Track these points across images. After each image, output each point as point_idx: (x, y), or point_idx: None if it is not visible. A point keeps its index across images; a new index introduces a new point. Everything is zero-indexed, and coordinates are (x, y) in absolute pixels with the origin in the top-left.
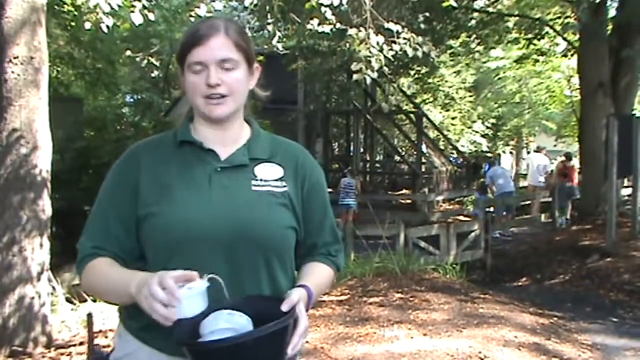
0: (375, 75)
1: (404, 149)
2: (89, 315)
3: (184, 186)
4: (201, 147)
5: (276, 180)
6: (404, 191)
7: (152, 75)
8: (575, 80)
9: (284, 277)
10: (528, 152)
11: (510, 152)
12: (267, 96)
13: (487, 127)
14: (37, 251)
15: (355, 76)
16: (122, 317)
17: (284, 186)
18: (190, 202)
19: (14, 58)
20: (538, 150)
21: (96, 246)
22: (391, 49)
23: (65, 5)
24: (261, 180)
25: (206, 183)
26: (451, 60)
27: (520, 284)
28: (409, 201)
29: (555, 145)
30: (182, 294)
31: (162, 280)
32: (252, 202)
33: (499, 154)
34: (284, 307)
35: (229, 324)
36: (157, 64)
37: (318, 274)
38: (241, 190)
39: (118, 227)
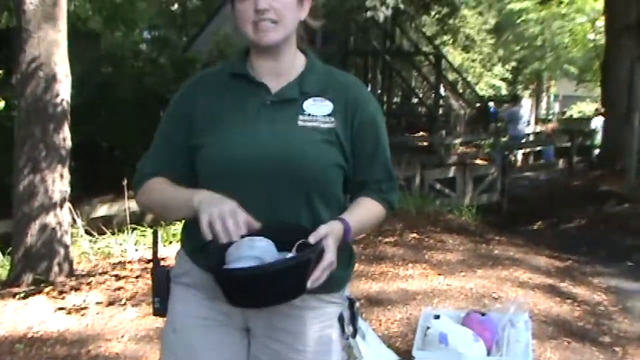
0: (389, 12)
1: (422, 91)
2: (155, 232)
3: (232, 119)
4: (253, 80)
5: (324, 116)
6: (421, 133)
7: (171, 9)
8: (600, 23)
9: (328, 215)
10: (548, 97)
11: (530, 96)
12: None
13: (507, 71)
14: (57, 181)
15: (369, 13)
16: (182, 238)
17: (332, 122)
18: (235, 136)
19: None
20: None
21: (153, 171)
22: None
23: None
24: (309, 115)
25: (254, 117)
26: (473, 1)
27: (535, 227)
28: (425, 143)
29: (576, 90)
30: (242, 242)
31: (235, 214)
32: (296, 138)
33: (516, 96)
34: (311, 239)
35: (252, 250)
36: None
37: (363, 208)
38: (287, 125)
39: (174, 156)
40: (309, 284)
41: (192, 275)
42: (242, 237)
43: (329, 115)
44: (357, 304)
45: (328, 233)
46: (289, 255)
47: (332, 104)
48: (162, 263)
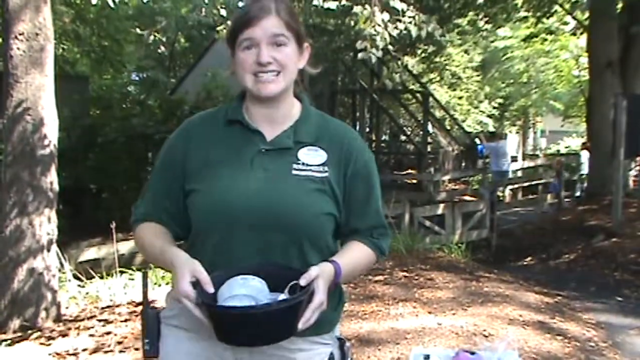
0: (380, 54)
1: (410, 128)
2: (144, 273)
3: (226, 166)
4: (248, 127)
5: (318, 165)
6: (409, 171)
7: (159, 51)
8: (584, 59)
9: (318, 262)
10: (535, 132)
11: (517, 132)
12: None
13: (494, 107)
14: (45, 225)
15: (360, 55)
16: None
17: (325, 171)
18: (229, 183)
19: (19, 34)
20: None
21: (147, 213)
22: (396, 28)
23: None
24: (303, 164)
25: (248, 164)
26: (458, 39)
27: (525, 263)
28: (414, 181)
29: (562, 126)
30: (235, 281)
31: (186, 296)
32: (289, 187)
33: (494, 132)
34: (302, 282)
35: (245, 289)
36: (164, 40)
37: (353, 252)
38: (281, 174)
39: (166, 201)
40: (300, 325)
41: (184, 317)
42: (235, 275)
43: (322, 164)
44: (348, 344)
45: (319, 274)
46: (282, 296)
47: (326, 153)
48: (151, 305)
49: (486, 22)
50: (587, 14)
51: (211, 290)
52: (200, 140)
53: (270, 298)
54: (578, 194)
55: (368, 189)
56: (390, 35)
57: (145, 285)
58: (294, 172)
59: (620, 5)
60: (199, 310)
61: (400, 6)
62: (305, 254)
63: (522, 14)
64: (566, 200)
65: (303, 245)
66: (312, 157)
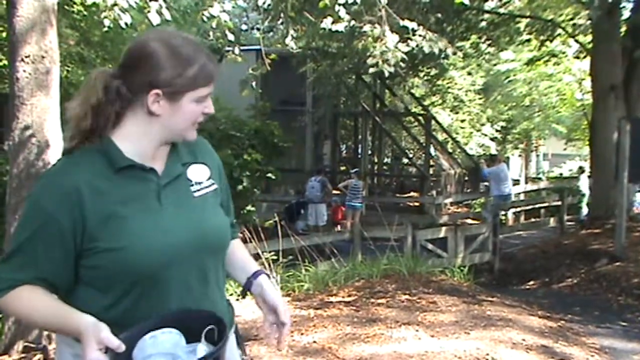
0: (392, 69)
1: (412, 151)
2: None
3: (137, 214)
4: (143, 168)
5: (207, 180)
6: (412, 194)
7: None
8: (587, 82)
9: (223, 270)
10: (537, 156)
11: (519, 156)
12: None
13: (497, 130)
14: None
15: (370, 70)
16: (65, 344)
17: (214, 183)
18: (148, 230)
19: (26, 57)
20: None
21: (20, 279)
22: (407, 45)
23: (75, 5)
24: (196, 183)
25: (157, 204)
26: (461, 62)
27: (528, 287)
28: (417, 204)
29: (565, 149)
30: (144, 341)
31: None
32: (201, 210)
33: (493, 155)
34: (285, 318)
35: (158, 346)
36: None
37: (245, 251)
38: (187, 201)
39: (46, 269)
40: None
41: None
42: (145, 333)
43: (209, 178)
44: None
45: (284, 306)
46: (199, 347)
47: (207, 167)
48: None
49: (489, 45)
50: (590, 38)
51: (122, 349)
52: (96, 198)
53: (188, 350)
54: (582, 217)
55: (228, 189)
56: (401, 52)
57: None
58: (195, 194)
59: (623, 29)
60: None
61: (411, 25)
62: (221, 265)
63: (525, 37)
64: (569, 223)
65: (223, 259)
66: (199, 174)
